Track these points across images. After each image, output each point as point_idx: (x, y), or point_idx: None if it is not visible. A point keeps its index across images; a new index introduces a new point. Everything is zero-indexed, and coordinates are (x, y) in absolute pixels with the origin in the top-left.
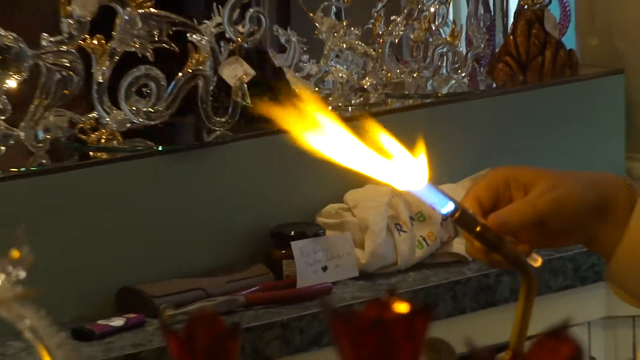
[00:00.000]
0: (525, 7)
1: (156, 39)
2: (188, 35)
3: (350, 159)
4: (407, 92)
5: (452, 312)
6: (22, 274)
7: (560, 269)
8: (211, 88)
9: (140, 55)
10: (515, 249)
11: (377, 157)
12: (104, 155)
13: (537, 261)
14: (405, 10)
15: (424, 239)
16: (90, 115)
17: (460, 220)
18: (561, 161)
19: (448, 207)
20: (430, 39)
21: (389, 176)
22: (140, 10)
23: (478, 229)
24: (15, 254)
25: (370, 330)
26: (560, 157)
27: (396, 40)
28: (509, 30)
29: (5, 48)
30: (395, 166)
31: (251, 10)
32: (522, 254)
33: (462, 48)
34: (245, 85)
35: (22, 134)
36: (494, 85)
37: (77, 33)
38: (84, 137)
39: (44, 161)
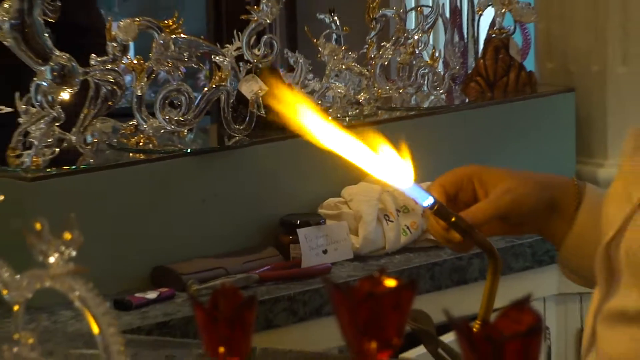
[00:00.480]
0: (493, 35)
1: (186, 59)
2: (213, 56)
3: (351, 157)
4: (394, 106)
5: (430, 288)
6: (73, 253)
7: (521, 254)
8: (231, 101)
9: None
10: (481, 235)
11: (372, 158)
12: (141, 156)
13: None
14: (393, 38)
15: (407, 227)
16: (130, 123)
17: (438, 212)
18: (521, 163)
19: (428, 201)
20: (414, 62)
21: (381, 175)
22: (173, 36)
23: (453, 219)
24: (67, 236)
25: (364, 301)
26: (521, 160)
27: (386, 63)
28: (480, 55)
29: (60, 66)
30: (386, 167)
31: (265, 36)
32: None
33: (440, 69)
34: (260, 98)
35: (73, 138)
36: (467, 101)
37: (120, 54)
38: (125, 140)
39: (91, 160)
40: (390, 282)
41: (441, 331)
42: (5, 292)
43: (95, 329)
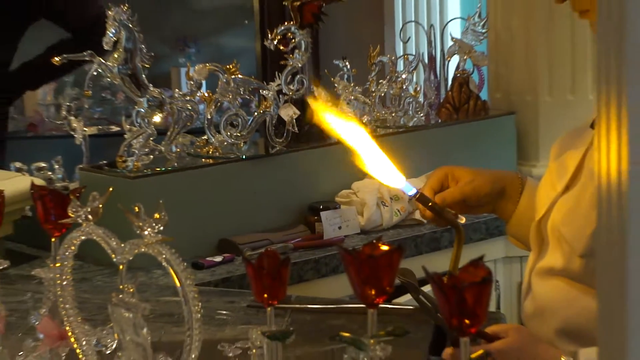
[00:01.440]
0: (458, 75)
1: (241, 93)
2: (260, 90)
3: (364, 161)
4: (388, 125)
5: (414, 253)
6: (161, 228)
7: (478, 228)
8: (273, 121)
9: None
10: (451, 215)
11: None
12: (210, 161)
13: (462, 219)
14: (387, 77)
15: (398, 210)
16: (203, 138)
17: (420, 199)
18: (479, 164)
19: (412, 191)
20: (402, 94)
21: (380, 176)
22: (232, 76)
23: (430, 204)
24: (157, 216)
25: (366, 261)
26: (478, 161)
27: (382, 94)
28: (448, 89)
29: (153, 98)
30: (383, 170)
31: (298, 75)
32: (455, 217)
33: (421, 99)
34: (294, 119)
35: (162, 148)
36: (440, 121)
37: (196, 89)
38: (199, 150)
39: (175, 164)
40: (384, 247)
41: (422, 284)
42: (113, 256)
43: (177, 282)
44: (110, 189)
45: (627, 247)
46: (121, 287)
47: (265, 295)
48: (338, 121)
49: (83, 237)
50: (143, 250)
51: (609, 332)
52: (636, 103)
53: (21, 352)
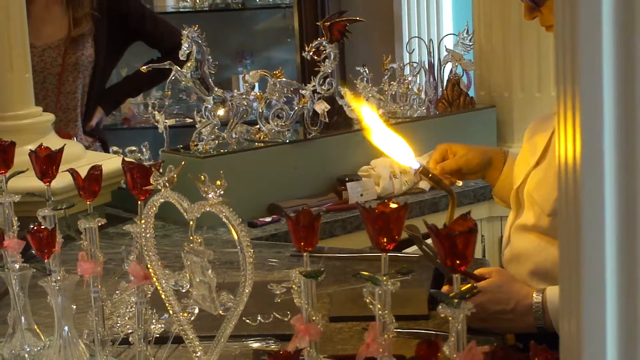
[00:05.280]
0: (451, 77)
1: (285, 92)
2: (300, 90)
3: (381, 145)
4: (398, 116)
5: (418, 214)
6: (222, 192)
7: (467, 194)
8: (310, 114)
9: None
10: (446, 184)
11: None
12: (262, 145)
13: (459, 183)
14: (397, 79)
15: (406, 182)
16: (256, 127)
17: (422, 172)
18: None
19: (416, 165)
20: (408, 92)
21: (393, 154)
22: (278, 79)
23: (430, 175)
24: (218, 183)
25: (379, 215)
26: (468, 142)
27: (393, 93)
28: (444, 88)
29: (218, 96)
30: (396, 149)
31: (328, 79)
32: (450, 185)
33: (423, 96)
34: (326, 112)
35: (225, 135)
36: (437, 113)
37: (250, 89)
38: (253, 136)
39: (235, 147)
40: (393, 205)
41: (425, 237)
42: (185, 214)
43: (234, 233)
44: (183, 162)
45: (580, 209)
46: (191, 237)
47: (302, 243)
48: (367, 110)
49: (162, 200)
50: (208, 209)
51: (568, 274)
52: (587, 97)
53: (117, 291)
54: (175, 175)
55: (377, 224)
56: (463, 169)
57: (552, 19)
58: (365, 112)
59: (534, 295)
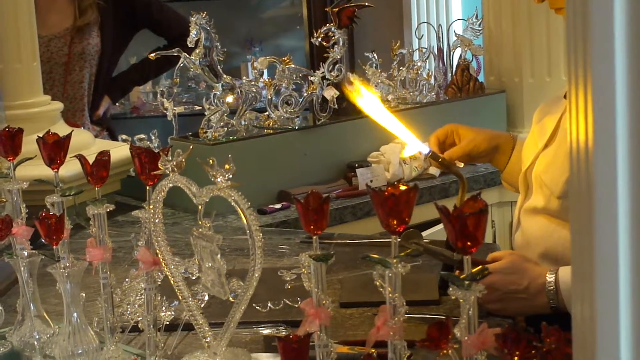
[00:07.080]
0: (461, 62)
1: (294, 79)
2: (309, 77)
3: (391, 129)
4: (407, 102)
5: (428, 200)
6: (230, 176)
7: (478, 180)
8: (319, 100)
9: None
10: (457, 168)
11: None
12: (271, 131)
13: (460, 164)
14: (406, 64)
15: (416, 167)
16: (265, 114)
17: (432, 156)
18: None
19: (426, 150)
20: (418, 78)
21: (405, 139)
22: (287, 66)
23: (440, 160)
24: (227, 166)
25: (389, 198)
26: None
27: (402, 78)
28: (453, 73)
29: (227, 83)
30: (406, 135)
31: (337, 65)
32: (459, 169)
33: (432, 82)
34: (335, 98)
35: (234, 122)
36: (447, 98)
37: (259, 76)
38: (262, 123)
39: (244, 134)
40: (403, 187)
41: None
42: (194, 198)
43: (244, 220)
44: (191, 146)
45: (593, 190)
46: (200, 222)
47: (312, 227)
48: (370, 97)
49: (170, 185)
50: (216, 193)
51: (580, 256)
52: (599, 80)
53: (127, 279)
54: (183, 160)
55: (387, 206)
56: (470, 154)
57: (562, 1)
58: (365, 101)
59: (547, 274)
